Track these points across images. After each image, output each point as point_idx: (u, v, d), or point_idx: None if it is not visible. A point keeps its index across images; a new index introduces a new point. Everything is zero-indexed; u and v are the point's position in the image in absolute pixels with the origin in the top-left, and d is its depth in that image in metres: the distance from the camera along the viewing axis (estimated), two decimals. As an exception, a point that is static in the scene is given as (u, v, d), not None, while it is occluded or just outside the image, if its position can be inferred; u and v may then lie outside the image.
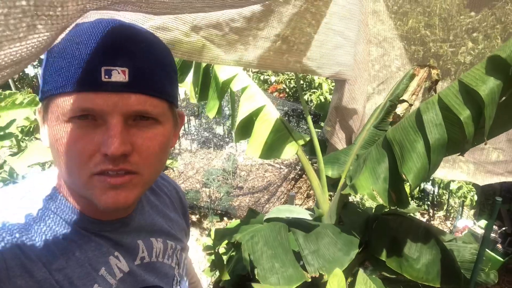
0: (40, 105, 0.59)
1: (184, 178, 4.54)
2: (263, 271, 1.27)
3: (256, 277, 1.25)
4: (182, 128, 5.44)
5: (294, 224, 1.53)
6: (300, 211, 1.66)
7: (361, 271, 0.88)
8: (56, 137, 0.53)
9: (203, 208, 3.79)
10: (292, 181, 4.38)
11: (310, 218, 1.65)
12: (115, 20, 0.54)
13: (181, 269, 0.79)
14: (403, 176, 1.30)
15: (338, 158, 1.94)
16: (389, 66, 2.12)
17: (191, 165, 4.86)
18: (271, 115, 1.80)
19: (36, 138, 1.94)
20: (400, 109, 1.94)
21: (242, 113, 1.79)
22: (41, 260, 0.53)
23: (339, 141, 2.04)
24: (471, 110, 1.22)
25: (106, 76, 0.50)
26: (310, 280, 1.31)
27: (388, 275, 1.91)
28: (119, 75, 0.51)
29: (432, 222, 3.74)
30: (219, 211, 3.86)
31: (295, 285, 1.13)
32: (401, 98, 1.89)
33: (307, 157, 2.00)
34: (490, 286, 3.10)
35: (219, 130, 5.23)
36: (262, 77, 5.54)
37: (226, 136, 5.27)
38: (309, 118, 1.83)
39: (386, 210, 2.23)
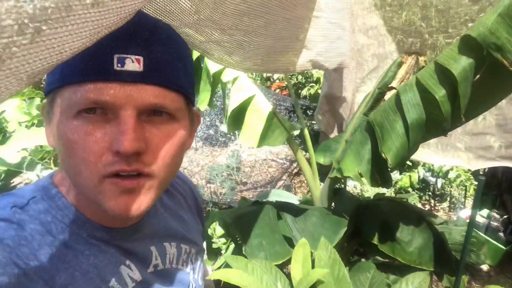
0: (44, 101, 0.54)
1: (189, 175, 4.62)
2: (251, 248, 1.32)
3: (244, 253, 1.29)
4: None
5: (282, 207, 1.57)
6: (288, 196, 1.70)
7: (323, 238, 0.92)
8: (62, 134, 0.48)
9: (207, 203, 3.86)
10: (296, 176, 4.43)
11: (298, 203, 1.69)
12: None
13: (196, 274, 0.74)
14: (383, 155, 1.34)
15: (329, 146, 1.98)
16: (379, 55, 2.15)
17: (196, 161, 4.95)
18: (261, 104, 1.85)
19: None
20: (389, 96, 1.98)
21: (233, 104, 1.85)
22: (43, 278, 0.48)
23: (330, 129, 2.09)
24: (446, 89, 1.26)
25: (119, 65, 0.46)
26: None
27: (381, 259, 1.94)
28: (133, 63, 0.46)
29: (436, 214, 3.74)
30: (224, 206, 3.93)
31: (282, 261, 1.18)
32: (389, 86, 1.92)
33: (300, 147, 2.05)
34: (493, 274, 3.10)
35: (223, 127, 5.31)
36: (264, 75, 5.61)
37: (231, 133, 5.35)
38: (299, 110, 1.88)
39: (380, 197, 2.26)
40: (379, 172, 1.43)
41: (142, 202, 0.50)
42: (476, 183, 3.45)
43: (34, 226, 0.51)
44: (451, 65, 1.22)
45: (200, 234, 0.81)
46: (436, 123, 1.34)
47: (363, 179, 1.46)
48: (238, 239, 1.49)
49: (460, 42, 1.23)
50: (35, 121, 1.80)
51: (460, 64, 1.21)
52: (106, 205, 0.48)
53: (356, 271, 1.39)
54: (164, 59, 0.49)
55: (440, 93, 1.26)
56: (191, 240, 0.74)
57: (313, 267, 0.81)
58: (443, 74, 1.26)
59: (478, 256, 1.76)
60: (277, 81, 5.64)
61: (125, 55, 0.46)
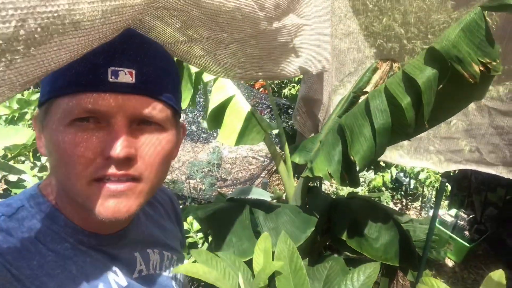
0: (36, 111, 0.57)
1: (170, 170, 4.65)
2: (220, 244, 1.38)
3: (214, 249, 1.36)
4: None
5: (256, 204, 1.64)
6: (261, 193, 1.77)
7: (283, 232, 0.99)
8: (55, 142, 0.50)
9: (186, 198, 3.90)
10: (275, 173, 4.52)
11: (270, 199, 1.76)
12: None
13: (178, 280, 0.77)
14: (352, 157, 1.42)
15: (305, 146, 2.05)
16: (356, 59, 2.24)
17: (177, 157, 4.97)
18: (240, 104, 1.91)
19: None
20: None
21: (213, 103, 1.90)
22: (34, 283, 0.50)
23: (307, 130, 2.16)
24: (412, 97, 1.34)
25: (113, 77, 0.49)
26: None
27: (350, 255, 2.03)
28: (126, 76, 0.49)
29: (407, 213, 3.89)
30: (203, 202, 3.98)
31: (249, 257, 1.24)
32: (364, 90, 2.01)
33: (278, 146, 2.12)
34: (458, 270, 3.26)
35: (205, 124, 5.35)
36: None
37: (212, 131, 5.40)
38: (275, 110, 1.95)
39: (353, 195, 2.36)
40: (347, 172, 1.50)
41: (130, 205, 0.52)
42: (447, 184, 3.62)
43: (23, 234, 0.52)
44: (416, 75, 1.30)
45: (180, 242, 0.84)
46: (401, 129, 1.43)
47: (332, 179, 1.54)
48: (209, 234, 1.55)
49: (426, 53, 1.31)
50: (16, 115, 1.82)
51: (425, 74, 1.29)
52: (94, 208, 0.50)
53: (318, 263, 1.47)
54: (154, 72, 0.53)
55: (405, 100, 1.34)
56: (172, 247, 0.77)
57: (274, 258, 0.88)
58: (409, 82, 1.34)
59: (439, 252, 1.87)
60: (260, 80, 5.69)
61: (118, 68, 0.49)
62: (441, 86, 1.34)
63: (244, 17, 0.76)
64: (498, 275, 0.75)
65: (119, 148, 0.48)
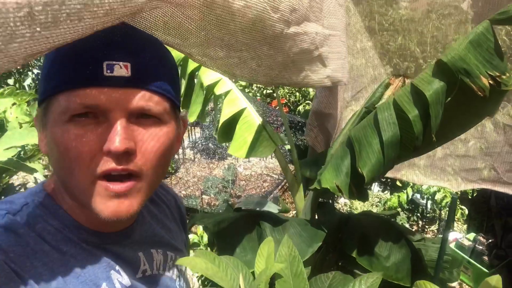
0: (37, 110, 0.57)
1: (186, 186, 4.69)
2: (224, 255, 1.37)
3: (218, 256, 1.35)
4: (187, 137, 5.55)
5: (263, 216, 1.64)
6: (269, 205, 1.77)
7: (286, 235, 0.99)
8: (55, 139, 0.50)
9: (199, 212, 3.92)
10: (286, 190, 4.49)
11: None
12: None
13: (181, 281, 0.77)
14: (359, 170, 1.41)
15: (315, 160, 2.05)
16: (368, 75, 2.24)
17: (193, 173, 5.02)
18: (251, 117, 1.93)
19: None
20: (374, 116, 2.06)
21: (224, 116, 1.93)
22: (38, 282, 0.50)
23: (318, 144, 2.16)
24: (419, 110, 1.33)
25: (108, 71, 0.49)
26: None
27: (359, 273, 1.98)
28: (121, 69, 0.49)
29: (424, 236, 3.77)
30: (216, 218, 3.98)
31: (251, 270, 1.24)
32: (376, 106, 2.01)
33: (288, 159, 2.12)
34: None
35: (221, 140, 5.41)
36: (265, 91, 5.73)
37: (227, 145, 5.45)
38: (286, 124, 1.96)
39: (366, 212, 2.32)
40: (356, 185, 1.49)
41: (132, 204, 0.53)
42: (463, 207, 3.51)
43: (26, 231, 0.53)
44: (424, 87, 1.30)
45: (184, 243, 0.84)
46: (409, 142, 1.41)
47: (340, 191, 1.53)
48: (214, 243, 1.55)
49: (434, 66, 1.31)
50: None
51: (433, 87, 1.29)
52: (97, 208, 0.51)
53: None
54: (149, 64, 0.53)
55: (413, 113, 1.34)
56: (176, 248, 0.77)
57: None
58: (417, 95, 1.34)
59: (451, 273, 1.81)
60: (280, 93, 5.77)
61: (113, 62, 0.49)
62: (449, 99, 1.34)
63: (255, 18, 0.77)
64: (495, 280, 0.73)
65: (117, 142, 0.48)
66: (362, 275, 1.02)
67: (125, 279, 0.61)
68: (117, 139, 0.48)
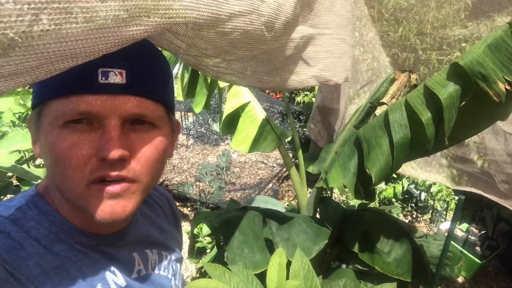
0: (31, 114, 0.57)
1: (179, 172, 4.65)
2: (232, 255, 1.36)
3: (225, 260, 1.34)
4: (180, 122, 5.50)
5: (269, 214, 1.62)
6: (275, 203, 1.75)
7: (298, 249, 0.97)
8: (50, 144, 0.50)
9: (195, 201, 3.90)
10: (285, 180, 4.49)
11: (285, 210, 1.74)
12: None
13: (177, 280, 0.77)
14: (367, 170, 1.39)
15: (319, 155, 2.03)
16: (373, 69, 2.21)
17: (186, 159, 4.98)
18: (255, 111, 1.90)
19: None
20: (379, 111, 2.04)
21: (228, 109, 1.89)
22: (33, 283, 0.50)
23: (321, 139, 2.14)
24: (432, 112, 1.32)
25: (103, 78, 0.49)
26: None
27: (361, 267, 2.00)
28: (116, 76, 0.50)
29: (417, 225, 3.85)
30: (210, 205, 3.97)
31: (260, 270, 1.22)
32: (380, 101, 1.99)
33: (291, 154, 2.10)
34: (468, 286, 3.20)
35: (216, 126, 5.35)
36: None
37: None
38: (291, 117, 1.93)
39: (365, 206, 2.33)
40: (363, 185, 1.48)
41: (126, 206, 0.53)
42: (457, 197, 3.56)
43: (21, 234, 0.53)
44: (438, 90, 1.28)
45: (178, 243, 0.84)
46: (420, 144, 1.40)
47: (347, 190, 1.52)
48: (221, 243, 1.54)
49: (449, 68, 1.29)
50: (30, 113, 1.80)
51: (447, 90, 1.27)
52: (92, 210, 0.51)
53: (332, 279, 1.45)
54: (144, 71, 0.53)
55: (426, 115, 1.32)
56: (170, 248, 0.78)
57: (288, 276, 0.86)
58: (431, 97, 1.32)
59: (453, 270, 1.84)
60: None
61: (108, 69, 0.49)
62: (463, 103, 1.32)
63: (249, 40, 0.74)
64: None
65: (112, 150, 0.48)
66: (377, 286, 1.01)
67: (120, 279, 0.61)
68: (111, 147, 0.49)
